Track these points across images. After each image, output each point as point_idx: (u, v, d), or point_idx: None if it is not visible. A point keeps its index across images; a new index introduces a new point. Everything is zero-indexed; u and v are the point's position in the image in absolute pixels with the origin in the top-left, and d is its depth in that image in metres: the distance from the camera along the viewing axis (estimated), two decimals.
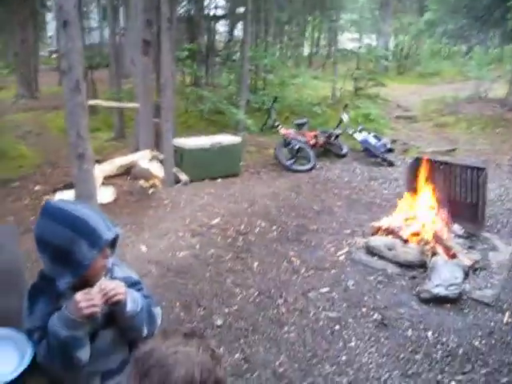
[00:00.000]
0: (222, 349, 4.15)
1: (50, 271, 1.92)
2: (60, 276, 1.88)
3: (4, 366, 1.88)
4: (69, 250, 1.84)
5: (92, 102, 10.48)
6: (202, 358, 1.19)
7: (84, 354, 1.90)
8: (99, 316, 1.90)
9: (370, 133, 10.84)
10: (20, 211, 7.43)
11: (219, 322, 4.55)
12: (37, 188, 8.80)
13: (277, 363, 3.99)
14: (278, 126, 10.65)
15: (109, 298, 1.86)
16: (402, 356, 4.04)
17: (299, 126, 10.81)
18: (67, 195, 7.52)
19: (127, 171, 8.97)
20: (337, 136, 10.90)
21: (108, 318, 1.95)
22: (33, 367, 1.90)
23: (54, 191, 8.17)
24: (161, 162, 8.91)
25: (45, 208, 1.93)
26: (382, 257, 5.69)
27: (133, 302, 1.97)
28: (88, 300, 1.82)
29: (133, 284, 2.12)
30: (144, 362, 1.17)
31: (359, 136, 10.74)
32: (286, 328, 4.46)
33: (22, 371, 1.87)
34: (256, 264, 5.72)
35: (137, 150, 9.61)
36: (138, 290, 2.12)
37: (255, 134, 11.61)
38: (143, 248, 6.13)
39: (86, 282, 1.91)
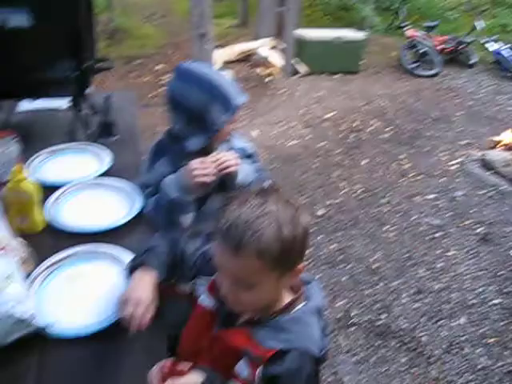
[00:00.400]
0: (320, 237, 4.25)
1: (180, 131, 1.97)
2: (190, 136, 1.94)
3: (116, 214, 2.02)
4: (203, 112, 1.88)
5: None
6: (285, 213, 1.19)
7: (186, 219, 1.98)
8: (210, 184, 1.94)
9: (505, 44, 10.06)
10: (141, 87, 7.71)
11: (320, 213, 4.63)
12: (158, 67, 9.04)
13: (371, 259, 4.05)
14: (405, 26, 10.14)
15: (222, 168, 1.91)
16: (500, 273, 3.96)
17: (428, 29, 10.21)
18: None
19: (246, 58, 8.97)
20: (467, 44, 10.21)
21: (219, 185, 1.99)
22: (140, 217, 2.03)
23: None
24: (281, 51, 8.83)
25: (180, 70, 1.96)
26: (496, 172, 5.46)
27: (244, 173, 2.00)
28: (202, 168, 1.87)
29: (248, 156, 2.17)
30: (233, 234, 1.16)
31: (492, 46, 10.00)
32: (385, 227, 4.47)
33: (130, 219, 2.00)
34: (364, 162, 5.68)
35: (258, 38, 9.55)
36: (253, 162, 2.16)
37: (380, 34, 11.15)
38: (255, 133, 6.24)
39: (210, 146, 1.98)
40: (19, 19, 2.07)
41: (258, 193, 1.23)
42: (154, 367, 1.19)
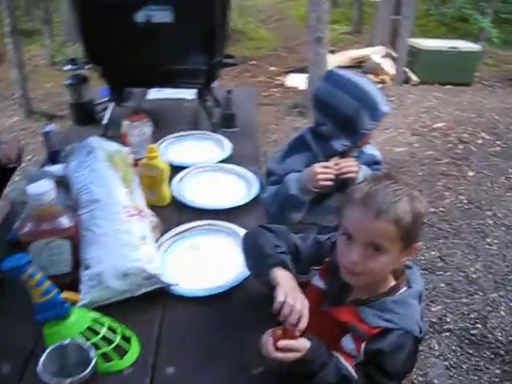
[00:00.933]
0: (421, 244, 4.26)
1: (328, 131, 2.09)
2: (337, 138, 2.07)
3: (234, 196, 2.20)
4: (353, 118, 1.99)
5: None
6: (413, 192, 1.34)
7: (297, 216, 2.11)
8: (328, 186, 2.03)
9: None
10: (255, 86, 7.97)
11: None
12: (271, 68, 9.30)
13: (471, 269, 4.01)
14: None
15: (342, 173, 2.01)
16: None
17: None
18: (299, 78, 7.88)
19: (358, 65, 9.03)
20: None
21: (338, 186, 2.05)
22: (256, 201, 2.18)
23: (287, 73, 8.57)
24: (393, 59, 8.81)
25: (331, 75, 2.09)
26: None
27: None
28: (325, 173, 1.98)
29: (374, 163, 2.25)
30: (375, 200, 1.30)
31: None
32: (488, 240, 4.41)
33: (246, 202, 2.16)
34: (471, 173, 5.60)
35: (371, 45, 9.59)
36: (376, 169, 2.23)
37: (497, 47, 10.80)
38: None
39: (351, 149, 2.10)
40: (163, 16, 2.30)
41: (386, 175, 1.39)
42: (267, 332, 1.32)
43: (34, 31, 10.90)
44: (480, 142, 6.46)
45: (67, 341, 1.21)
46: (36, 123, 6.73)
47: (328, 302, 1.49)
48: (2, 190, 2.13)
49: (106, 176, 1.75)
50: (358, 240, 1.34)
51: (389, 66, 8.66)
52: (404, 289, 1.44)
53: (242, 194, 2.21)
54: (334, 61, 8.51)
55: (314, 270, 1.58)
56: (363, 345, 1.34)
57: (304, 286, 1.50)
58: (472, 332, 3.42)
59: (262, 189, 2.22)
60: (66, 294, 1.35)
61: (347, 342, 1.38)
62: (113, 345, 1.35)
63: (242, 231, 1.86)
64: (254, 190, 2.21)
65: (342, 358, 1.35)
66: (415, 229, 1.33)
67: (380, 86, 8.12)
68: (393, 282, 1.45)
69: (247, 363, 1.39)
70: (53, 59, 9.21)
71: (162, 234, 1.88)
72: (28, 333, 1.43)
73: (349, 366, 1.34)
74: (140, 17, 2.32)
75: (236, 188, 2.28)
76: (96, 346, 1.29)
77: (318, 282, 1.55)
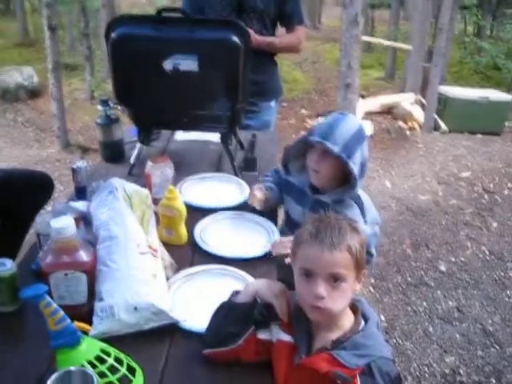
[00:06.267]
0: (439, 293, 4.28)
1: None
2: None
3: (249, 246, 2.26)
4: None
5: (366, 38, 10.78)
6: (352, 223, 1.53)
7: None
8: None
9: None
10: (286, 129, 8.15)
11: (443, 268, 4.65)
12: (302, 111, 9.46)
13: (489, 321, 3.99)
14: None
15: None
16: None
17: None
18: None
19: (388, 110, 9.14)
20: None
21: None
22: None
23: (317, 116, 8.72)
24: (423, 107, 8.89)
25: None
26: None
27: None
28: None
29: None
30: (325, 235, 1.42)
31: None
32: (508, 292, 4.38)
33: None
34: (495, 224, 5.59)
35: (402, 91, 9.70)
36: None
37: None
38: (388, 184, 6.38)
39: None
40: (189, 64, 2.43)
41: (324, 215, 1.53)
42: None
43: (77, 66, 11.32)
44: (506, 192, 6.45)
45: (74, 368, 1.30)
46: (71, 155, 6.95)
47: (300, 353, 1.51)
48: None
49: (124, 215, 1.85)
50: (319, 274, 1.42)
51: (419, 113, 8.73)
52: (363, 322, 1.52)
53: (261, 244, 2.24)
54: (365, 106, 8.64)
55: (276, 327, 1.59)
56: None
57: (271, 347, 1.58)
58: None
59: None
60: (77, 324, 1.44)
61: None
62: (118, 375, 1.42)
63: (249, 277, 1.95)
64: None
65: None
66: (362, 254, 1.46)
67: (409, 132, 8.21)
68: (352, 317, 1.52)
69: None
70: (92, 94, 9.53)
71: (175, 273, 1.97)
72: (44, 358, 1.53)
73: None
74: (168, 65, 2.46)
75: (255, 238, 2.32)
76: (102, 375, 1.37)
77: (284, 336, 1.57)
